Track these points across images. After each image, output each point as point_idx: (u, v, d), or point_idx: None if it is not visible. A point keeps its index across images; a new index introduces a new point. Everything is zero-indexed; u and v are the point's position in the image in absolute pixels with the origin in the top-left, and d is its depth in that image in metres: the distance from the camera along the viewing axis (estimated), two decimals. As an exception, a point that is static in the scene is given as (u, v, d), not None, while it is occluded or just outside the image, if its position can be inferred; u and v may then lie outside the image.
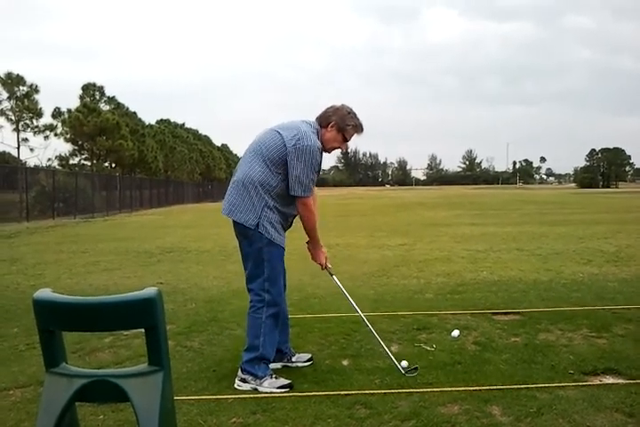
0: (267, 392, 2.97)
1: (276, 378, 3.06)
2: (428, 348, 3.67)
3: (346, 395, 2.88)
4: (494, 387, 2.94)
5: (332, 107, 3.28)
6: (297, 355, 3.42)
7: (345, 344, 3.80)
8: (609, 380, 3.07)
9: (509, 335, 3.93)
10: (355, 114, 3.28)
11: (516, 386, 2.95)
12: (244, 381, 3.06)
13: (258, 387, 3.01)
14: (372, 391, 2.93)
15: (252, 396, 2.91)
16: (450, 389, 2.93)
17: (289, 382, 3.04)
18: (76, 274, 7.18)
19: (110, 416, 2.68)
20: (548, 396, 2.82)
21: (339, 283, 3.40)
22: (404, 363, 3.27)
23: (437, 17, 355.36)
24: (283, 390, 2.99)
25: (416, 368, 3.17)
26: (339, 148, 3.32)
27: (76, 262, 8.33)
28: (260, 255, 3.14)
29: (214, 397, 2.90)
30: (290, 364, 3.37)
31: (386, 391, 2.92)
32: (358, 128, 3.29)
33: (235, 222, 3.15)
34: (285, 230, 3.26)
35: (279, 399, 2.85)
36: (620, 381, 3.03)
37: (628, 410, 2.63)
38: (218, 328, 4.27)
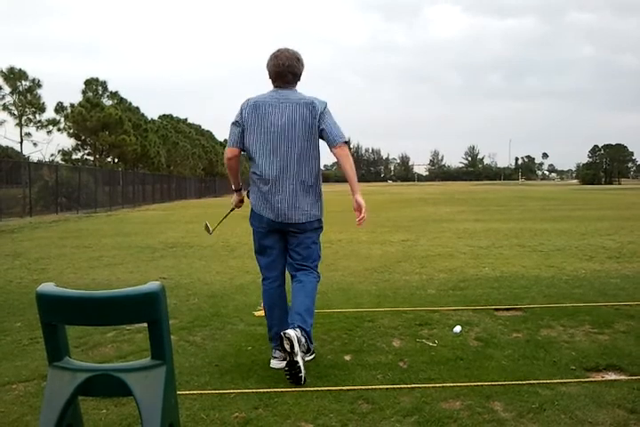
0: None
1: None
2: (430, 343, 3.67)
3: (348, 390, 2.89)
4: (496, 383, 2.94)
5: None
6: None
7: (347, 340, 3.80)
8: (611, 376, 3.07)
9: (511, 331, 3.93)
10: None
11: (517, 382, 2.95)
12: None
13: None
14: (374, 387, 2.93)
15: (254, 391, 2.91)
16: (452, 384, 2.94)
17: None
18: (79, 269, 7.20)
19: (113, 411, 2.69)
20: (550, 392, 2.82)
21: None
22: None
23: (441, 13, 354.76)
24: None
25: None
26: None
27: (79, 257, 8.35)
28: None
29: (217, 391, 2.91)
30: None
31: (388, 387, 2.92)
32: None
33: None
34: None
35: (281, 394, 2.85)
36: (622, 377, 3.03)
37: (630, 406, 2.63)
38: (220, 323, 4.28)
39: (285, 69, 3.25)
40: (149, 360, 1.92)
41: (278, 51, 3.31)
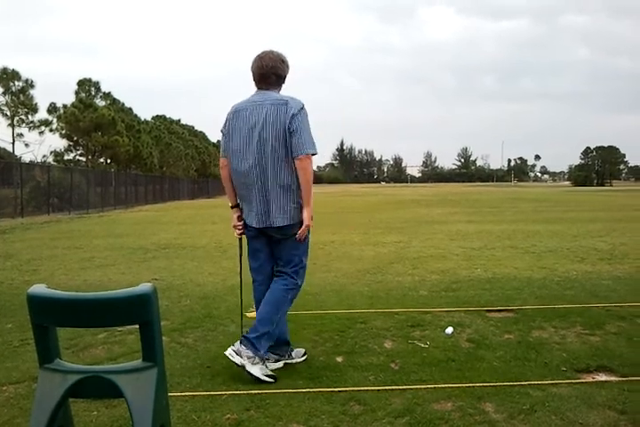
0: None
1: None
2: (422, 345, 3.68)
3: (340, 391, 2.89)
4: (487, 384, 2.95)
5: None
6: (295, 350, 3.44)
7: (339, 341, 3.80)
8: (602, 377, 3.08)
9: (503, 333, 3.94)
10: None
11: (509, 383, 2.96)
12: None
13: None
14: (365, 388, 2.94)
15: (245, 392, 2.91)
16: (443, 386, 2.94)
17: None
18: (71, 270, 7.16)
19: (104, 412, 2.68)
20: (541, 393, 2.84)
21: None
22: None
23: (435, 15, 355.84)
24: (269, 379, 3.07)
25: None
26: None
27: (71, 258, 8.31)
28: None
29: (208, 393, 2.91)
30: (290, 360, 3.37)
31: (379, 388, 2.93)
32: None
33: None
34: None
35: (273, 396, 2.85)
36: (613, 378, 3.05)
37: (620, 407, 2.65)
38: (212, 325, 4.27)
39: (269, 71, 3.22)
40: (140, 362, 1.91)
41: (262, 53, 3.28)
